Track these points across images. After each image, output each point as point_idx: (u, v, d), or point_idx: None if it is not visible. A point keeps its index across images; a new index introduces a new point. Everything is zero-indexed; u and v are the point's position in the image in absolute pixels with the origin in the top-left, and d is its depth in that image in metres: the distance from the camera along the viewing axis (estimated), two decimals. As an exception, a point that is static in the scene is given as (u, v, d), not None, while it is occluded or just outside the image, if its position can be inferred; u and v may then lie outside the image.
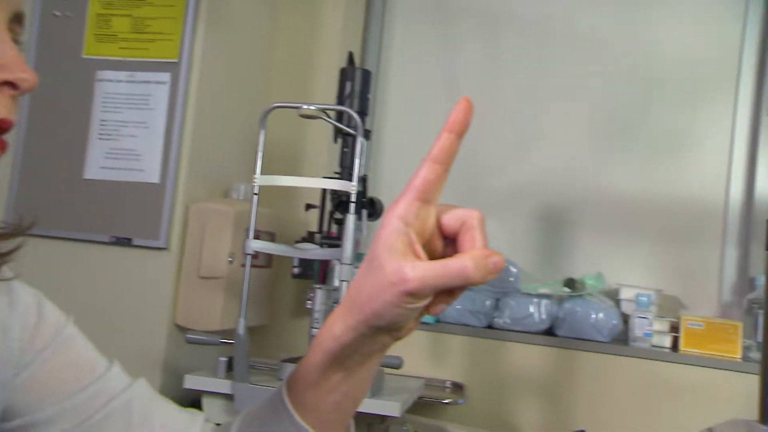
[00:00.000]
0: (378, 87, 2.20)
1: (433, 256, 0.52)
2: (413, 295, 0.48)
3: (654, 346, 1.81)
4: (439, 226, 0.53)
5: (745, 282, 1.87)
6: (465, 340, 1.89)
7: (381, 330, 0.51)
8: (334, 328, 0.53)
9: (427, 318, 1.97)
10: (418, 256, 0.49)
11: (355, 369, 0.55)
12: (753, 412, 1.10)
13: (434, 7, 2.19)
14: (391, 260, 0.48)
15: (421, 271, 0.47)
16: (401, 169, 2.17)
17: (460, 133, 0.51)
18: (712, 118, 1.95)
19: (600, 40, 2.05)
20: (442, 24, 2.18)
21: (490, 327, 1.91)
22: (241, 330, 1.37)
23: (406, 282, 0.47)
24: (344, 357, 0.53)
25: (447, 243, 0.53)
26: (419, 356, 1.89)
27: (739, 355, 1.72)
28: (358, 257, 1.88)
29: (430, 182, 0.51)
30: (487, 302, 1.90)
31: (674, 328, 1.83)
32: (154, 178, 1.57)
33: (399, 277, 0.47)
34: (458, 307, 1.89)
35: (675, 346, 1.80)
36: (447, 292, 0.51)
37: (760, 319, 1.69)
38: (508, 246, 2.03)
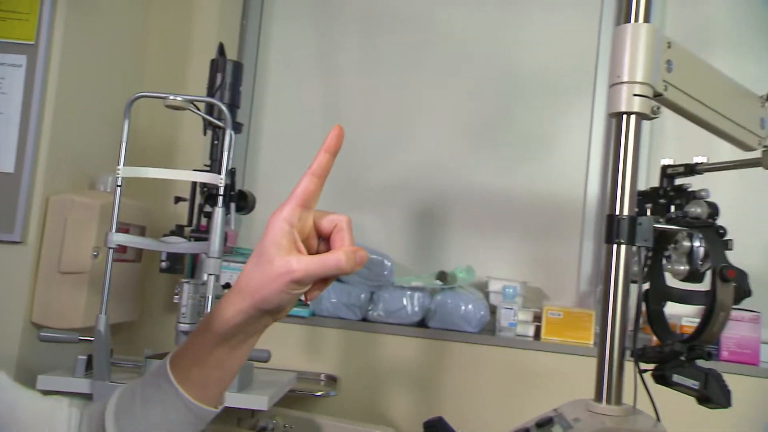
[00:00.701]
0: (257, 81, 2.18)
1: (309, 251, 0.63)
2: (298, 282, 0.59)
3: (518, 335, 1.91)
4: (316, 228, 0.64)
5: (599, 273, 2.02)
6: (340, 333, 1.92)
7: (266, 312, 0.62)
8: (225, 313, 0.62)
9: (303, 311, 1.97)
10: (300, 252, 0.60)
11: (238, 346, 0.65)
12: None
13: (313, 3, 2.20)
14: (278, 255, 0.59)
15: (305, 264, 0.59)
16: (279, 163, 2.17)
17: (334, 154, 0.64)
18: (572, 120, 2.09)
19: (472, 44, 2.15)
20: (321, 21, 2.19)
21: (364, 320, 1.94)
22: (101, 326, 1.32)
23: (293, 272, 0.58)
24: (231, 336, 0.63)
25: (320, 241, 0.65)
26: (294, 350, 1.90)
27: (591, 342, 1.85)
28: (239, 252, 1.86)
29: (310, 192, 0.62)
30: (362, 295, 1.93)
31: (537, 318, 1.94)
32: (8, 167, 1.48)
33: (287, 269, 0.59)
34: (333, 300, 1.92)
35: (537, 335, 1.91)
36: (322, 281, 0.63)
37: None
38: (384, 240, 2.08)
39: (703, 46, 2.05)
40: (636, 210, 1.34)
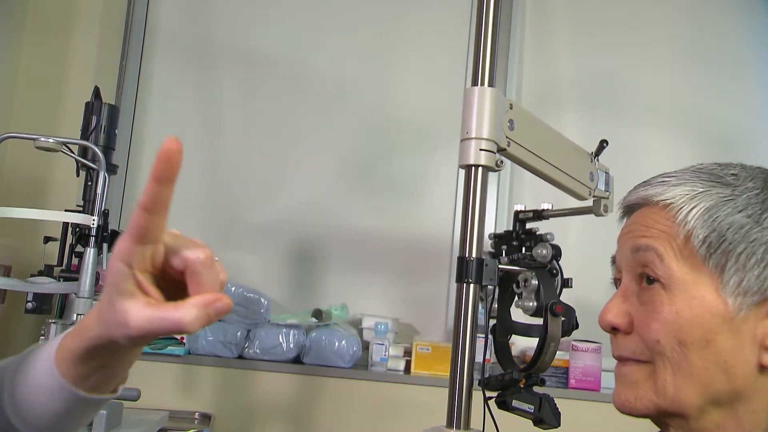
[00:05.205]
0: (135, 122, 2.19)
1: (176, 279, 0.52)
2: (135, 340, 0.50)
3: (390, 369, 2.01)
4: (169, 265, 0.52)
5: (464, 310, 2.16)
6: (216, 371, 1.94)
7: (122, 346, 0.53)
8: (91, 331, 0.53)
9: (178, 350, 1.97)
10: (148, 294, 0.50)
11: (108, 362, 0.56)
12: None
13: (193, 46, 2.25)
14: (119, 301, 0.49)
15: (142, 320, 0.49)
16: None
17: (168, 180, 0.49)
18: (441, 166, 2.25)
19: (348, 89, 2.27)
20: (201, 63, 2.24)
21: (241, 357, 1.98)
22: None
23: (129, 327, 0.49)
24: (96, 354, 0.54)
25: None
26: (168, 389, 1.89)
27: (456, 374, 1.98)
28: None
29: (144, 228, 0.49)
30: (238, 333, 1.97)
31: (408, 353, 2.05)
32: None
33: (123, 319, 0.49)
34: (210, 338, 1.94)
35: (408, 369, 2.02)
36: None
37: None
38: (261, 279, 2.13)
39: (554, 101, 2.29)
40: (492, 251, 1.49)
